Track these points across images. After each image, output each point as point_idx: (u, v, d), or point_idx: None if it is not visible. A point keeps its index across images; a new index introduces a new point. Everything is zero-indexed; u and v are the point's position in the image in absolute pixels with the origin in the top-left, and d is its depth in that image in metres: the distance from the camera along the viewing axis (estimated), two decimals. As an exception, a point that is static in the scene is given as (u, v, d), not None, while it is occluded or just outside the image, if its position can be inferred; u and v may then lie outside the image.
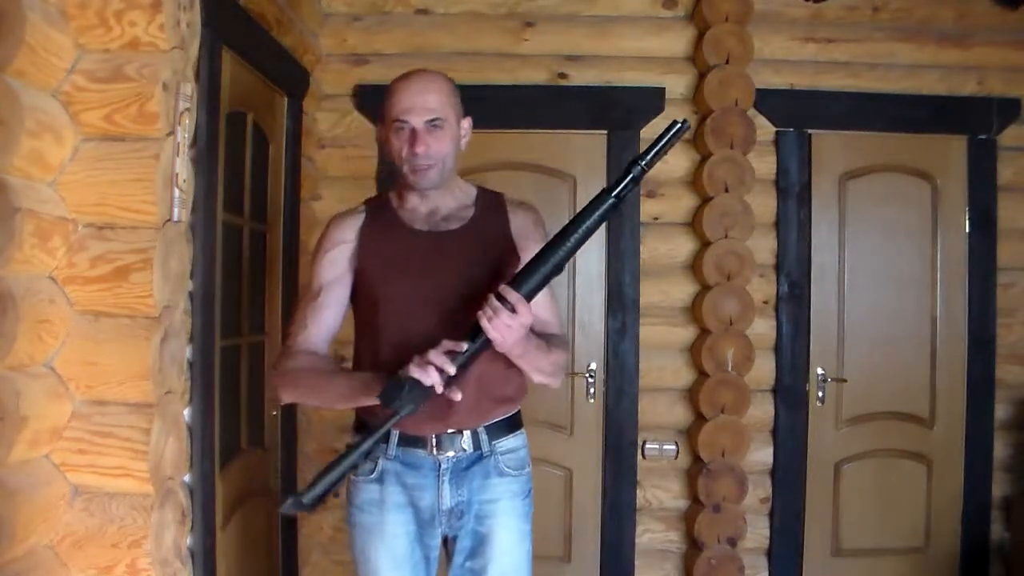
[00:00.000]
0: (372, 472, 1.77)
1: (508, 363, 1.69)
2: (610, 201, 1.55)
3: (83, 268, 1.73)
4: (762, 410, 3.30)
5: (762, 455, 3.31)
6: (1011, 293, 3.37)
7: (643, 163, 1.54)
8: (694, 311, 3.28)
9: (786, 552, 3.32)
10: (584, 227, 1.55)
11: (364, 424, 1.76)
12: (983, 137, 3.36)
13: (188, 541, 2.00)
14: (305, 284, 1.81)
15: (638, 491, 3.32)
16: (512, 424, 1.81)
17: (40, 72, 1.64)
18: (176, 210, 1.83)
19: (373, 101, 3.31)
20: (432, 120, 1.69)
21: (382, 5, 3.32)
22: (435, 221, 1.78)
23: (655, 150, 1.54)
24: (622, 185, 1.55)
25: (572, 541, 3.32)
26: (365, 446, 1.56)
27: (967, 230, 3.37)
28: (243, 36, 2.45)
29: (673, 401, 3.33)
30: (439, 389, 1.49)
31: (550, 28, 3.32)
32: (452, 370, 1.50)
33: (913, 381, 3.38)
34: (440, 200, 1.79)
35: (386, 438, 1.72)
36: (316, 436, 3.29)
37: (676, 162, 3.32)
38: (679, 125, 1.55)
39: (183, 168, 1.86)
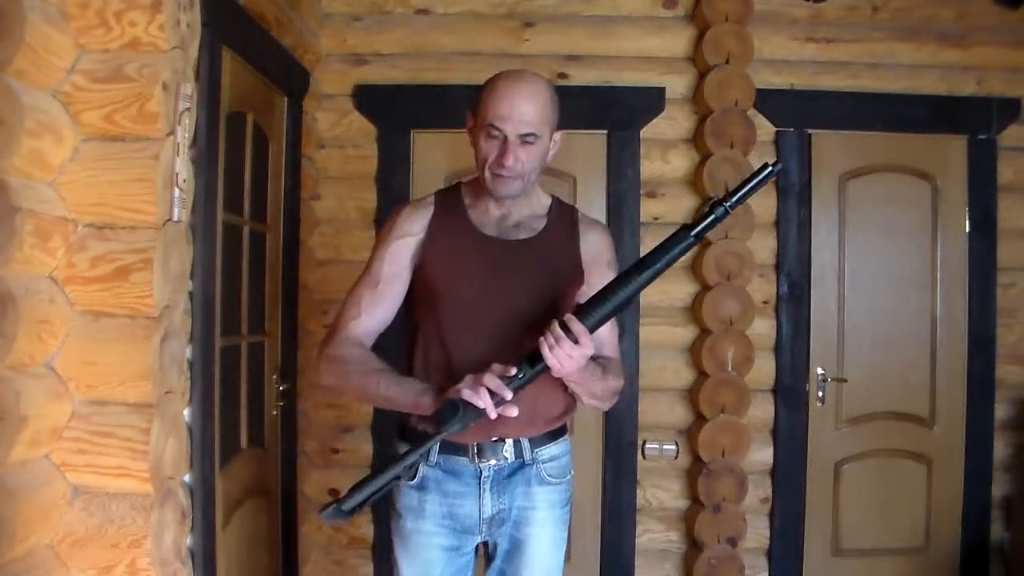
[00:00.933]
0: (413, 478, 1.72)
1: (562, 385, 1.68)
2: (689, 240, 1.53)
3: (83, 268, 1.73)
4: (762, 410, 3.30)
5: (762, 455, 3.31)
6: (1011, 293, 3.37)
7: (727, 204, 1.53)
8: (694, 311, 3.28)
9: (786, 552, 3.32)
10: (658, 265, 1.52)
11: (408, 428, 1.74)
12: (983, 137, 3.36)
13: (188, 541, 2.00)
14: (365, 267, 1.77)
15: (638, 491, 3.32)
16: (557, 432, 1.79)
17: (40, 72, 1.64)
18: (176, 210, 1.83)
19: (373, 101, 3.32)
20: (527, 134, 1.64)
21: (382, 5, 3.32)
22: (505, 228, 1.74)
23: (742, 192, 1.53)
24: (703, 226, 1.53)
25: (572, 541, 3.31)
26: (409, 460, 1.52)
27: (967, 230, 3.37)
28: (243, 36, 2.45)
29: (673, 401, 3.33)
30: (492, 415, 1.48)
31: (550, 28, 3.32)
32: (508, 395, 1.48)
33: (913, 381, 3.38)
34: (514, 207, 1.75)
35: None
36: (316, 436, 3.29)
37: (676, 162, 3.32)
38: (770, 168, 1.53)
39: (183, 168, 1.86)
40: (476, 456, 1.70)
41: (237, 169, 2.53)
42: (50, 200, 1.69)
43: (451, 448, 1.69)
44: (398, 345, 1.81)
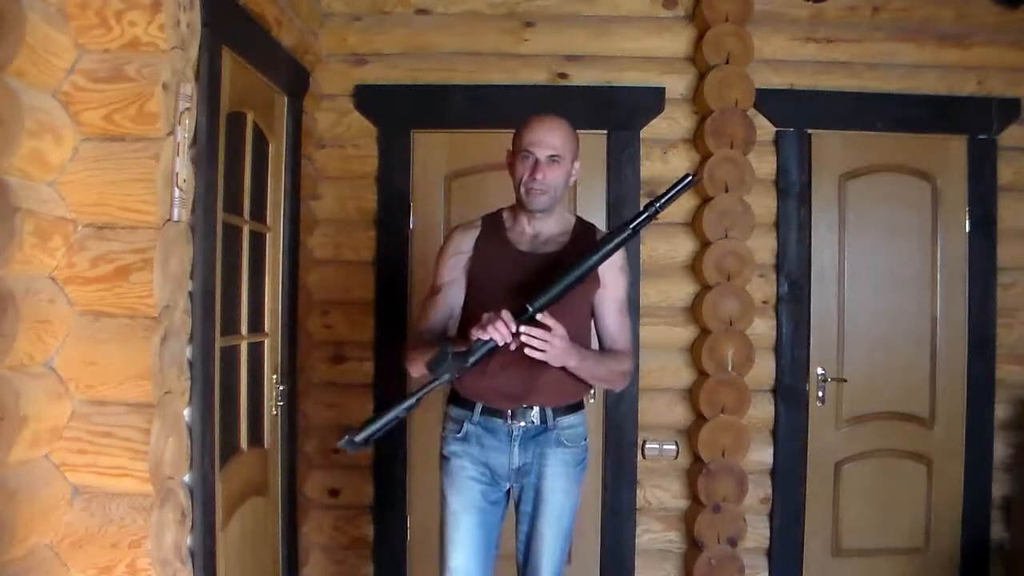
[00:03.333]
0: (459, 432, 2.17)
1: (570, 373, 2.07)
2: (627, 233, 1.97)
3: (83, 268, 1.73)
4: (762, 410, 3.30)
5: (762, 455, 3.31)
6: (1011, 293, 3.37)
7: (658, 205, 1.96)
8: (694, 311, 3.28)
9: (786, 552, 3.32)
10: (601, 253, 1.96)
11: (456, 395, 2.19)
12: (983, 137, 3.36)
13: (188, 541, 2.00)
14: (427, 286, 2.27)
15: (638, 491, 3.32)
16: (575, 406, 2.21)
17: (40, 72, 1.64)
18: (176, 210, 1.83)
19: (373, 101, 3.32)
20: (553, 155, 2.07)
21: (382, 5, 3.32)
22: (537, 243, 2.17)
23: (668, 196, 1.96)
24: (639, 221, 1.97)
25: (572, 541, 3.32)
26: (410, 400, 1.90)
27: (967, 230, 3.37)
28: (243, 36, 2.45)
29: (673, 401, 3.33)
30: (501, 341, 1.88)
31: (550, 28, 3.32)
32: (513, 327, 1.89)
33: (913, 381, 3.38)
34: (544, 225, 2.17)
35: (471, 410, 2.16)
36: (316, 436, 3.29)
37: (676, 162, 3.32)
38: (689, 178, 1.96)
39: (183, 168, 1.86)
40: (510, 418, 2.12)
41: (237, 169, 2.53)
42: (50, 200, 1.69)
43: (491, 412, 2.14)
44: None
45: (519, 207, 2.16)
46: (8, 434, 1.51)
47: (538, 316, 1.90)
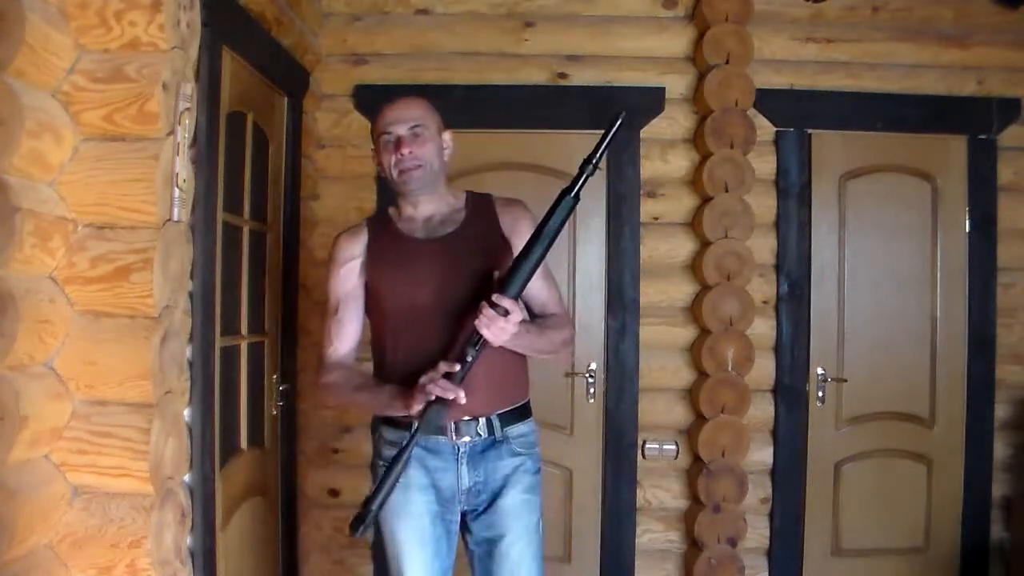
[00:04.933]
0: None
1: (508, 356, 1.89)
2: (572, 202, 1.75)
3: (83, 268, 1.73)
4: (762, 410, 3.30)
5: (762, 455, 3.31)
6: (1011, 293, 3.37)
7: (594, 161, 1.74)
8: (694, 311, 3.28)
9: (786, 552, 3.32)
10: (554, 229, 1.74)
11: (391, 417, 1.93)
12: (983, 137, 3.36)
13: (188, 541, 2.00)
14: (325, 303, 2.03)
15: (638, 491, 3.32)
16: (522, 412, 1.99)
17: (40, 72, 1.64)
18: (176, 210, 1.82)
19: (373, 101, 3.31)
20: (413, 127, 1.90)
21: (382, 5, 3.32)
22: (431, 227, 1.96)
23: (603, 146, 1.73)
24: (579, 185, 1.75)
25: (572, 541, 3.33)
26: (403, 460, 1.75)
27: (967, 230, 3.37)
28: (243, 36, 2.45)
29: (673, 401, 3.33)
30: (462, 399, 1.72)
31: (550, 28, 3.32)
32: (459, 391, 1.71)
33: (913, 381, 3.38)
34: (433, 207, 1.97)
35: (407, 428, 1.86)
36: (316, 436, 3.29)
37: (676, 162, 3.32)
38: (619, 118, 1.72)
39: (183, 168, 1.86)
40: (454, 434, 1.89)
41: (237, 169, 2.53)
42: (50, 200, 1.69)
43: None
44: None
45: (400, 197, 1.97)
46: (8, 434, 1.51)
47: (493, 297, 1.71)
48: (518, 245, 1.86)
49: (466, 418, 1.88)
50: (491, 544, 1.93)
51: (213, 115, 2.20)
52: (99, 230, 1.74)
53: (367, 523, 1.71)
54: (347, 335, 1.98)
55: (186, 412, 2.02)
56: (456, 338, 1.81)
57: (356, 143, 3.32)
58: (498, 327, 1.71)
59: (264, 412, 2.82)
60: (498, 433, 1.92)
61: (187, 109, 1.86)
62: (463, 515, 1.97)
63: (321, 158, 3.33)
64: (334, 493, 3.33)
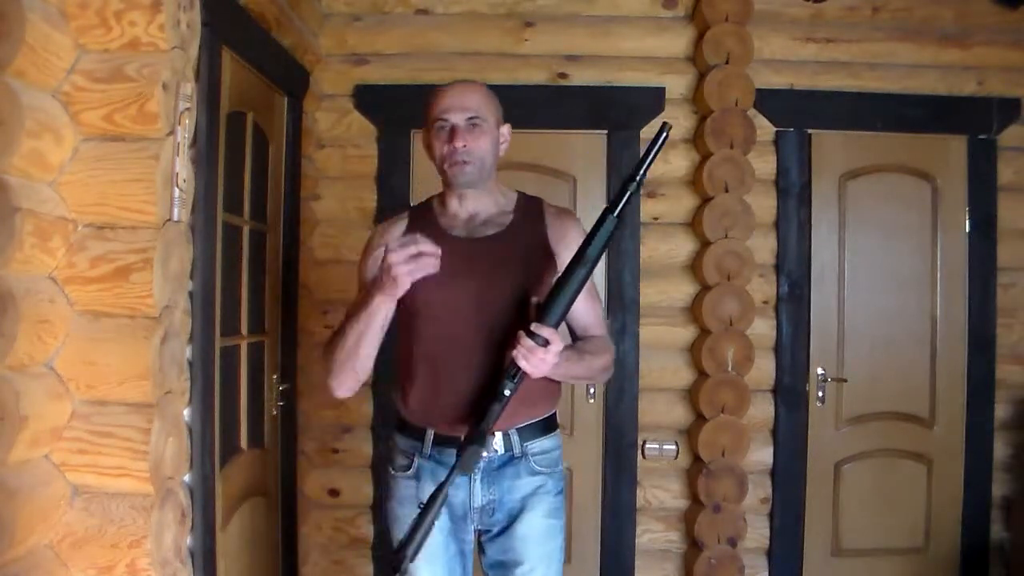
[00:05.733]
0: (408, 469, 1.83)
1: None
2: (616, 222, 1.61)
3: (83, 268, 1.73)
4: (762, 410, 3.30)
5: (762, 455, 3.31)
6: (1011, 293, 3.37)
7: (638, 179, 1.60)
8: (694, 311, 3.28)
9: (786, 552, 3.32)
10: (597, 253, 1.61)
11: (406, 423, 1.84)
12: (983, 137, 3.36)
13: (188, 541, 2.00)
14: (350, 299, 1.89)
15: (638, 491, 3.32)
16: (547, 426, 1.86)
17: (40, 72, 1.64)
18: (176, 210, 1.82)
19: (373, 101, 3.32)
20: (471, 118, 1.76)
21: (382, 5, 3.32)
22: (473, 227, 1.83)
23: (647, 162, 1.59)
24: (622, 205, 1.60)
25: (572, 541, 3.32)
26: (438, 502, 1.63)
27: (967, 230, 3.37)
28: (243, 36, 2.45)
29: (673, 401, 3.33)
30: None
31: (550, 28, 3.32)
32: (492, 415, 1.62)
33: (913, 381, 3.38)
34: (479, 204, 1.84)
35: (421, 439, 1.81)
36: (316, 436, 3.29)
37: (676, 162, 3.32)
38: (664, 131, 1.59)
39: (183, 168, 1.86)
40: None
41: (237, 169, 2.53)
42: (50, 200, 1.69)
43: (444, 441, 1.78)
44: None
45: (447, 189, 1.84)
46: (8, 434, 1.51)
47: (532, 327, 1.59)
48: (564, 259, 1.74)
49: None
50: (506, 569, 1.82)
51: (213, 115, 2.20)
52: (99, 230, 1.74)
53: (402, 570, 1.61)
54: None
55: (186, 412, 2.03)
56: (487, 347, 1.71)
57: (356, 143, 3.33)
58: (538, 359, 1.58)
59: (264, 412, 2.82)
60: (516, 449, 1.80)
61: (187, 109, 1.86)
62: (478, 534, 1.87)
63: (321, 158, 3.33)
64: (334, 493, 3.32)
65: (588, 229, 1.65)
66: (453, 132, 1.76)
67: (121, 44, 1.73)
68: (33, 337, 1.61)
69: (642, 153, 1.60)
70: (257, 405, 2.75)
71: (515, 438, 1.80)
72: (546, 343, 1.58)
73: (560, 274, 1.64)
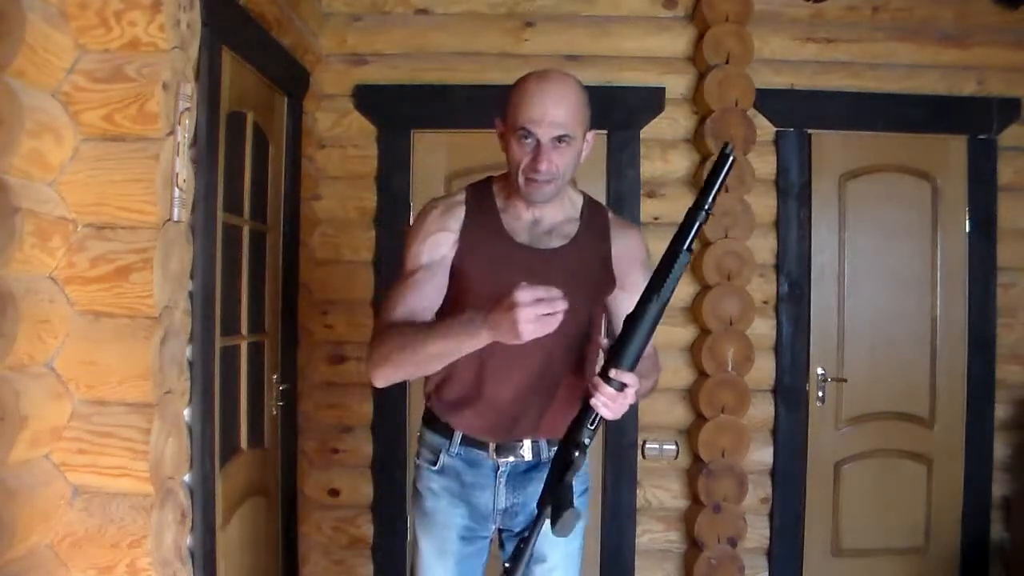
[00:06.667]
0: (435, 463, 1.81)
1: (571, 380, 1.73)
2: (687, 257, 1.49)
3: (83, 268, 1.73)
4: (762, 410, 3.30)
5: (762, 455, 3.31)
6: (1011, 293, 3.37)
7: (707, 209, 1.46)
8: (694, 311, 3.28)
9: (786, 552, 3.32)
10: (670, 288, 1.49)
11: (435, 418, 1.81)
12: (983, 137, 3.36)
13: (188, 541, 2.00)
14: (400, 272, 1.74)
15: (638, 491, 3.32)
16: None
17: (40, 72, 1.64)
18: (176, 210, 1.82)
19: (373, 101, 3.32)
20: (560, 136, 1.62)
21: (382, 5, 3.32)
22: (537, 234, 1.73)
23: (714, 190, 1.45)
24: (691, 238, 1.48)
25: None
26: (534, 538, 1.57)
27: (967, 230, 3.37)
28: (243, 36, 2.45)
29: (673, 401, 3.33)
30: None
31: (550, 28, 3.32)
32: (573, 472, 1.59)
33: (913, 381, 3.38)
34: (547, 211, 1.74)
35: (449, 437, 1.78)
36: (316, 436, 3.29)
37: (676, 162, 3.32)
38: (729, 156, 1.44)
39: (183, 168, 1.86)
40: (495, 453, 1.77)
41: (237, 169, 2.54)
42: (50, 200, 1.69)
43: (472, 441, 1.77)
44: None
45: (516, 193, 1.72)
46: (8, 434, 1.51)
47: (612, 373, 1.49)
48: (625, 283, 1.71)
49: (514, 440, 1.76)
50: (528, 565, 1.72)
51: (213, 115, 2.20)
52: (99, 230, 1.74)
53: None
54: (417, 300, 1.66)
55: (186, 412, 2.03)
56: (537, 363, 1.67)
57: (356, 143, 3.33)
58: (619, 406, 1.51)
59: (264, 412, 2.82)
60: (544, 456, 1.78)
61: (187, 109, 1.86)
62: (499, 531, 1.85)
63: (321, 158, 3.33)
64: (334, 493, 3.32)
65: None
66: (538, 150, 1.61)
67: (121, 44, 1.73)
68: (33, 337, 1.61)
69: (706, 176, 1.48)
70: (257, 405, 2.75)
71: (543, 446, 1.79)
72: (622, 386, 1.49)
73: (633, 311, 1.51)
